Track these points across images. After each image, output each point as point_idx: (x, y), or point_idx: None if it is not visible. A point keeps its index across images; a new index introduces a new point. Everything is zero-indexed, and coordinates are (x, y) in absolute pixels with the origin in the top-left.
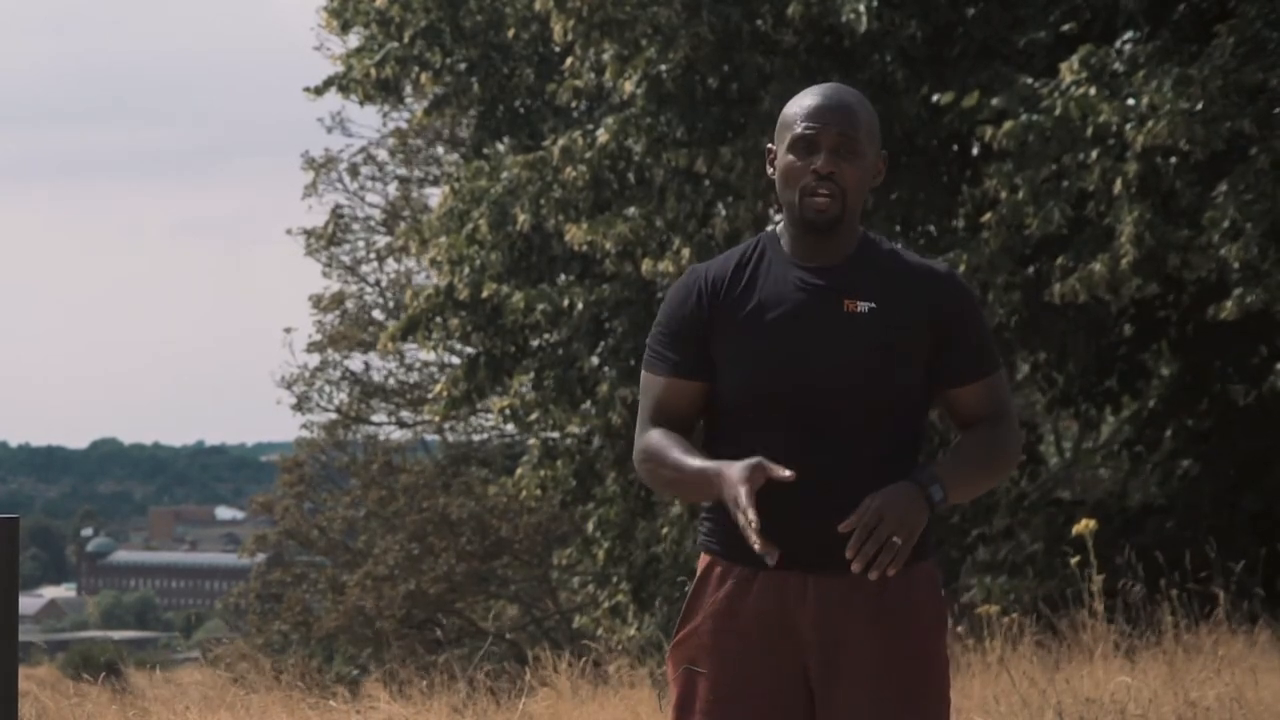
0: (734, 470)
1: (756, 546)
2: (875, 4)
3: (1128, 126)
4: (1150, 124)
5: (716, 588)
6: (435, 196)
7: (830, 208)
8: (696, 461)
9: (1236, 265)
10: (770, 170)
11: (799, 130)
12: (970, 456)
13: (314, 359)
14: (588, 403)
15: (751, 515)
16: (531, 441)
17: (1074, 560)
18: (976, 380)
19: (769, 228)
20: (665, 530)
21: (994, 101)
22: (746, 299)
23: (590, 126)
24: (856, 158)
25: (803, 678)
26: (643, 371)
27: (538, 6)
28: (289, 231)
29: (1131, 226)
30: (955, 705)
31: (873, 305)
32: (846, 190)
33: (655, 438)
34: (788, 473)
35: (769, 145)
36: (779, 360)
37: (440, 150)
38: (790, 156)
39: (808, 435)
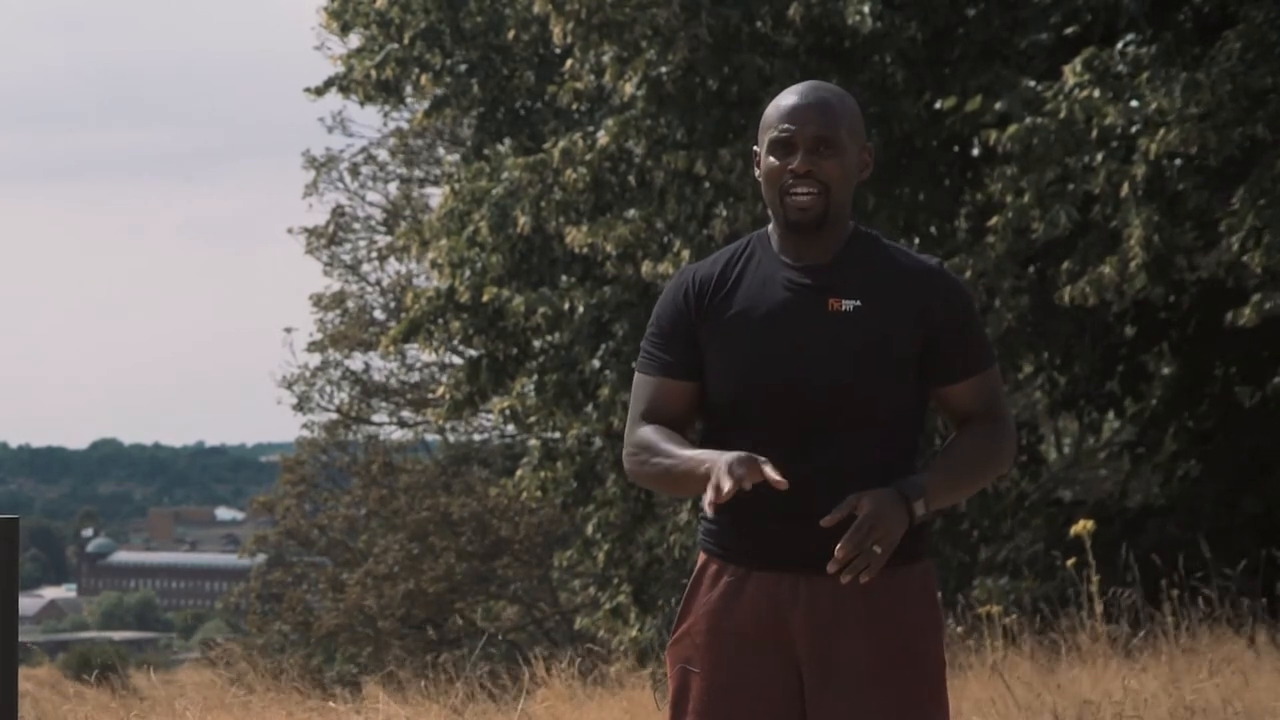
0: (726, 456)
1: (706, 503)
2: (879, 6)
3: (1134, 130)
4: (1162, 132)
5: (710, 587)
6: (436, 196)
7: (813, 205)
8: (687, 450)
9: (1259, 271)
10: (756, 172)
11: (775, 133)
12: (961, 462)
13: (314, 359)
14: (589, 406)
15: (726, 488)
16: (532, 442)
17: (1070, 562)
18: (967, 378)
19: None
20: (673, 536)
21: (997, 105)
22: (733, 299)
23: (590, 128)
24: (836, 154)
25: (795, 678)
26: (635, 373)
27: (537, 9)
28: (290, 230)
29: (1140, 229)
30: (953, 708)
31: (858, 304)
32: (830, 186)
33: (646, 432)
34: (781, 481)
35: (754, 148)
36: (765, 360)
37: (441, 150)
38: (770, 159)
39: (798, 435)
